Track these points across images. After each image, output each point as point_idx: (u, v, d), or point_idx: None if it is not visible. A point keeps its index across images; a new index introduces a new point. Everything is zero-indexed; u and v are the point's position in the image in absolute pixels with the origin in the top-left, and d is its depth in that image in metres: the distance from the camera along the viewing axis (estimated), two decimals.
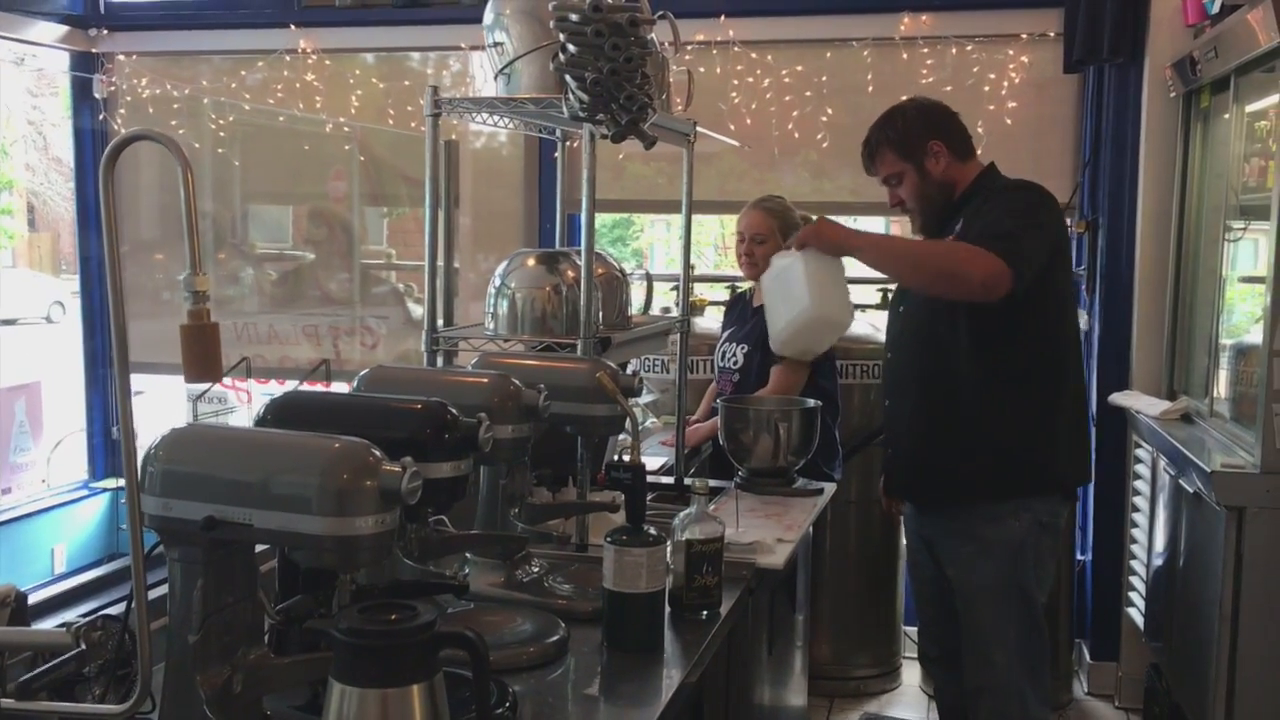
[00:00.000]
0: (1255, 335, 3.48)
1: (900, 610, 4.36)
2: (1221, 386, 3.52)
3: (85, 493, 5.22)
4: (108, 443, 5.29)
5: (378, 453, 1.31)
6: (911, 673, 4.35)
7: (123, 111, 5.07)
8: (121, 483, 4.68)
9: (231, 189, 5.09)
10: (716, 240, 10.78)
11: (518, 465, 2.11)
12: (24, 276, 16.46)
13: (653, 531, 1.93)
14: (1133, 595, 3.96)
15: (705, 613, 2.07)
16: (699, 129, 3.01)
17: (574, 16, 2.18)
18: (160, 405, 6.10)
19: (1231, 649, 2.93)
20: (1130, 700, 4.08)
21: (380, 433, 1.54)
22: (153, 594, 1.46)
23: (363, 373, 1.92)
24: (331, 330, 4.99)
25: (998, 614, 2.76)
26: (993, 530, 2.73)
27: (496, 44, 2.43)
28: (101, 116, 5.05)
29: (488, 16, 2.48)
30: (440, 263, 3.11)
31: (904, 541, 4.38)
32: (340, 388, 3.96)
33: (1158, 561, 3.68)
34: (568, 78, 2.21)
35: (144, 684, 1.22)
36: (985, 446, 2.72)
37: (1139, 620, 3.87)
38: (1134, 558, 3.96)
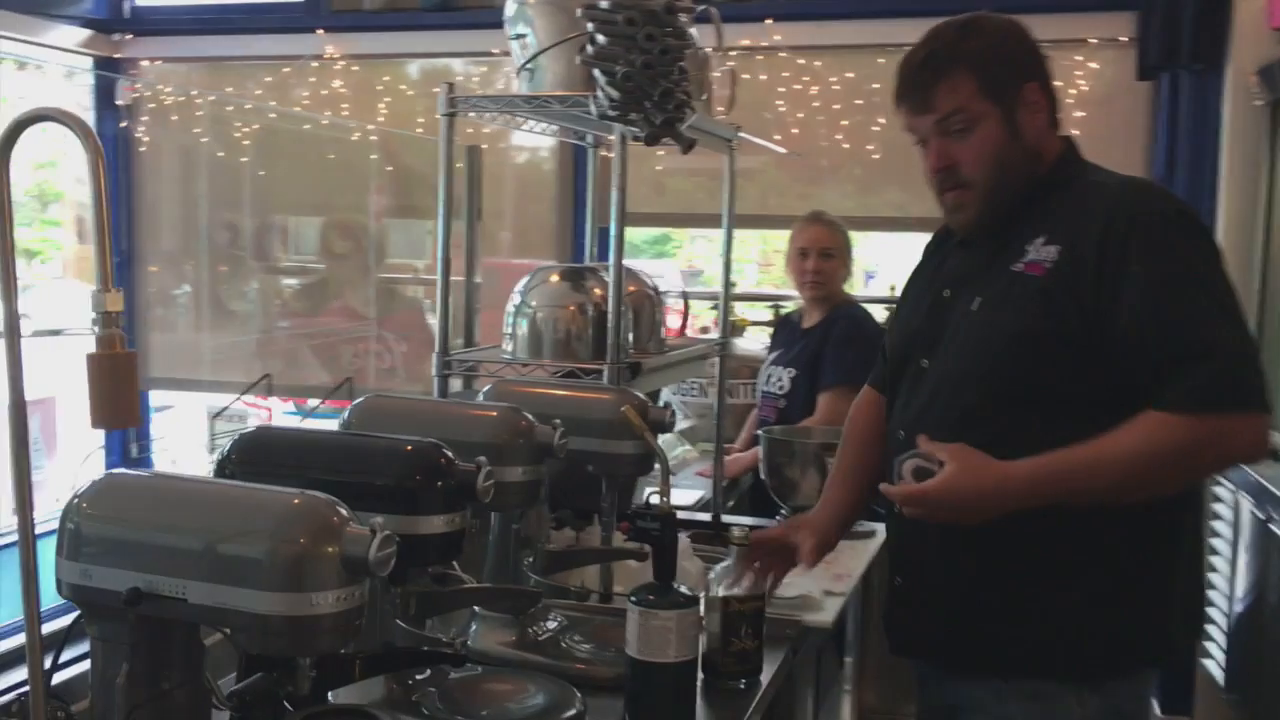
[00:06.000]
0: None
1: None
2: None
3: None
4: (126, 460, 5.11)
5: (344, 511, 1.07)
6: None
7: (145, 119, 4.90)
8: None
9: (256, 199, 4.90)
10: (759, 257, 10.52)
11: (533, 508, 1.86)
12: (72, 287, 16.51)
13: (684, 590, 1.67)
14: (1210, 646, 3.64)
15: (744, 681, 1.82)
16: (742, 134, 2.76)
17: (603, 3, 1.94)
18: (183, 422, 5.94)
19: None
20: None
21: (361, 478, 1.31)
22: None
23: (355, 402, 1.69)
24: (355, 347, 4.78)
25: None
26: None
27: (519, 37, 2.20)
28: (124, 124, 4.88)
29: (509, 7, 2.24)
30: (461, 278, 2.90)
31: None
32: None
33: (1240, 608, 3.37)
34: (596, 72, 1.97)
35: None
36: (1081, 597, 1.66)
37: (1217, 673, 3.56)
38: (1211, 604, 3.64)
